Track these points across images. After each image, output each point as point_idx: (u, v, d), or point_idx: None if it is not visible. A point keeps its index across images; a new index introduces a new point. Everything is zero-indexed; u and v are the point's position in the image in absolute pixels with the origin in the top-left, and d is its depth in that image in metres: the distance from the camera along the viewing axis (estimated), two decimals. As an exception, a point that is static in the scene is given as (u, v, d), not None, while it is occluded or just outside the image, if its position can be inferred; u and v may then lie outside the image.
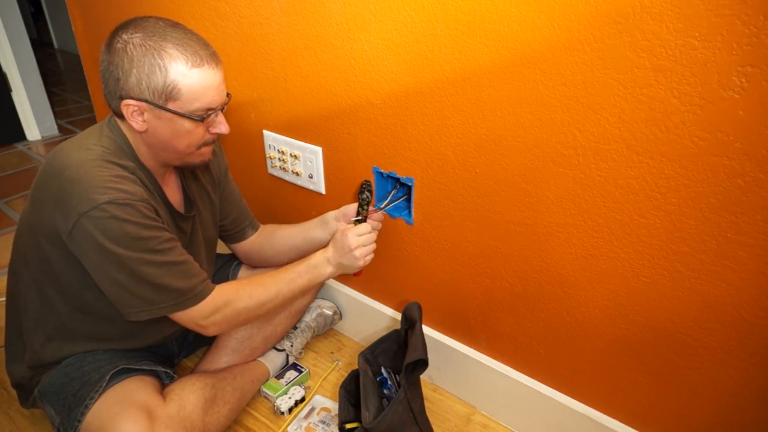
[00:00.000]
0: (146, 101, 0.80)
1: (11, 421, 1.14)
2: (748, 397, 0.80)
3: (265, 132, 1.29)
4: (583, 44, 0.73)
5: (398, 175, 1.07)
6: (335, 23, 1.01)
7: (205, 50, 0.81)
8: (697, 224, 0.74)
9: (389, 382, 1.11)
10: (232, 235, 1.20)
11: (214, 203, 1.11)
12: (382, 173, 1.11)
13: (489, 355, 1.13)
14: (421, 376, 1.10)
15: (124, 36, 0.79)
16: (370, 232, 1.04)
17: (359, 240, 1.01)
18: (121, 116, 0.83)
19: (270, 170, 1.35)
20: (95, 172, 0.78)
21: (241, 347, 1.18)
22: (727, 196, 0.70)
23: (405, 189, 1.12)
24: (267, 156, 1.33)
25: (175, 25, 0.82)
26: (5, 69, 2.57)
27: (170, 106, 0.80)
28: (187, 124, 0.83)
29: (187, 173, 1.02)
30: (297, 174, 1.27)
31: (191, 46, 0.80)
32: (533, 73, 0.80)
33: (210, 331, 0.93)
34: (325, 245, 1.09)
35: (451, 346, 1.17)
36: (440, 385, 1.25)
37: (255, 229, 1.22)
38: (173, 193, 0.98)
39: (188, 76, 0.79)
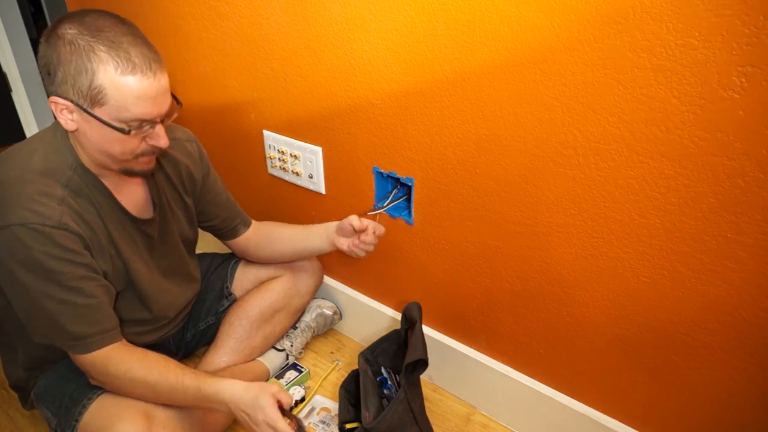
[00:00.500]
0: (72, 102, 0.74)
1: (11, 421, 1.14)
2: (748, 397, 0.80)
3: (265, 132, 1.29)
4: (583, 44, 0.73)
5: (398, 175, 1.07)
6: (335, 23, 1.01)
7: (143, 57, 0.74)
8: (697, 224, 0.74)
9: (389, 382, 1.11)
10: (224, 233, 1.17)
11: (189, 206, 1.06)
12: (382, 173, 1.11)
13: (489, 355, 1.13)
14: (421, 376, 1.10)
15: (60, 29, 0.72)
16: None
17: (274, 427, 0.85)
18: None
19: (270, 170, 1.35)
20: (15, 189, 0.76)
21: (240, 347, 1.17)
22: (727, 196, 0.70)
23: (405, 189, 1.12)
24: (267, 156, 1.33)
25: (117, 24, 0.75)
26: (5, 69, 2.57)
27: (96, 111, 0.74)
28: (115, 133, 0.76)
29: (157, 173, 0.96)
30: (297, 174, 1.27)
31: (126, 50, 0.73)
32: (533, 73, 0.80)
33: (91, 381, 0.89)
34: (325, 253, 1.09)
35: (451, 346, 1.17)
36: (440, 385, 1.25)
37: (247, 225, 1.19)
38: (132, 196, 0.92)
39: (117, 83, 0.72)
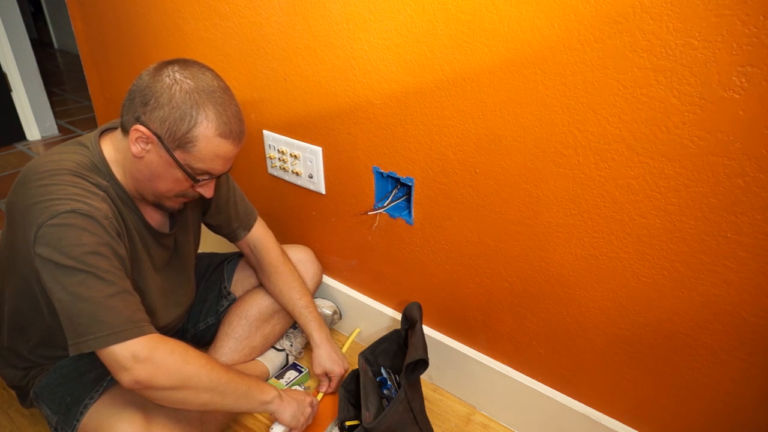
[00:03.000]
0: (158, 137, 0.80)
1: (11, 421, 1.14)
2: (748, 397, 0.80)
3: (265, 132, 1.29)
4: (583, 44, 0.73)
5: (398, 175, 1.07)
6: (335, 23, 1.01)
7: (238, 127, 0.83)
8: (697, 224, 0.74)
9: (389, 383, 1.11)
10: (226, 236, 1.19)
11: (197, 215, 1.11)
12: (382, 173, 1.11)
13: (489, 355, 1.13)
14: (421, 376, 1.10)
15: (178, 75, 0.79)
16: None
17: (302, 407, 1.01)
18: (126, 132, 0.83)
19: (270, 170, 1.35)
20: (60, 187, 0.77)
21: (239, 347, 1.18)
22: (727, 196, 0.70)
23: (405, 189, 1.12)
24: (267, 156, 1.33)
25: (226, 90, 0.84)
26: (5, 69, 2.57)
27: (177, 153, 0.81)
28: (179, 175, 0.83)
29: None
30: (297, 174, 1.27)
31: (228, 117, 0.81)
32: (533, 73, 0.80)
33: (135, 374, 0.76)
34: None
35: (451, 346, 1.17)
36: (440, 385, 1.25)
37: (247, 229, 1.18)
38: (153, 212, 0.96)
39: (210, 140, 0.80)
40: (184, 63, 0.82)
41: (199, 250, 1.22)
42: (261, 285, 1.24)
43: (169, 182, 0.85)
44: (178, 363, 0.79)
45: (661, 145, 0.73)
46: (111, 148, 0.88)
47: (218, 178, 0.91)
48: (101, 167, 0.86)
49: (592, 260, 0.87)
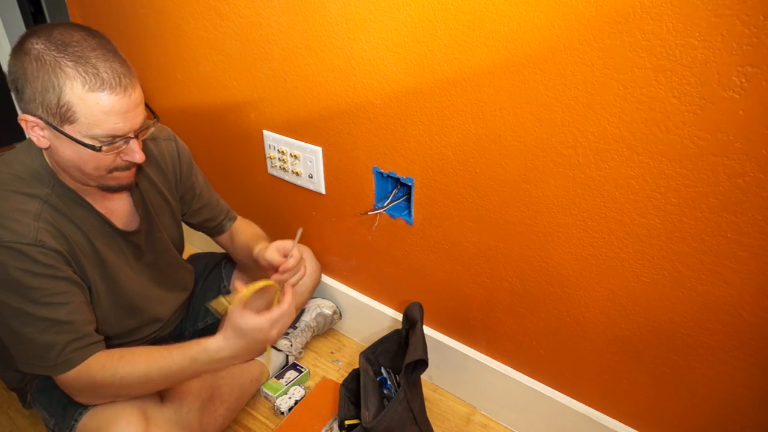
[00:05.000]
0: (41, 119, 0.73)
1: (11, 421, 1.14)
2: (748, 397, 0.80)
3: (265, 132, 1.29)
4: (583, 44, 0.73)
5: (398, 175, 1.07)
6: (335, 23, 1.01)
7: (112, 72, 0.72)
8: (697, 224, 0.74)
9: (389, 382, 1.11)
10: (211, 230, 1.17)
11: (173, 207, 1.05)
12: (382, 173, 1.11)
13: (489, 355, 1.13)
14: (421, 376, 1.10)
15: (27, 44, 0.70)
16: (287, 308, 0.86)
17: (277, 324, 0.84)
18: None
19: (270, 170, 1.35)
20: None
21: None
22: (727, 196, 0.70)
23: (405, 189, 1.12)
24: (267, 156, 1.33)
25: (87, 37, 0.73)
26: (5, 69, 2.57)
27: (66, 129, 0.73)
28: (88, 150, 0.75)
29: (141, 181, 0.95)
30: (297, 174, 1.27)
31: (94, 65, 0.71)
32: (533, 73, 0.80)
33: (80, 399, 0.85)
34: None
35: (451, 346, 1.17)
36: (440, 385, 1.25)
37: (233, 220, 1.18)
38: (116, 208, 0.91)
39: (85, 100, 0.71)
40: (38, 29, 0.72)
41: (198, 250, 1.22)
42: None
43: (88, 161, 0.76)
44: (108, 378, 0.81)
45: (661, 145, 0.73)
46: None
47: (138, 138, 0.80)
48: (43, 172, 0.81)
49: (592, 260, 0.87)
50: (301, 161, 1.24)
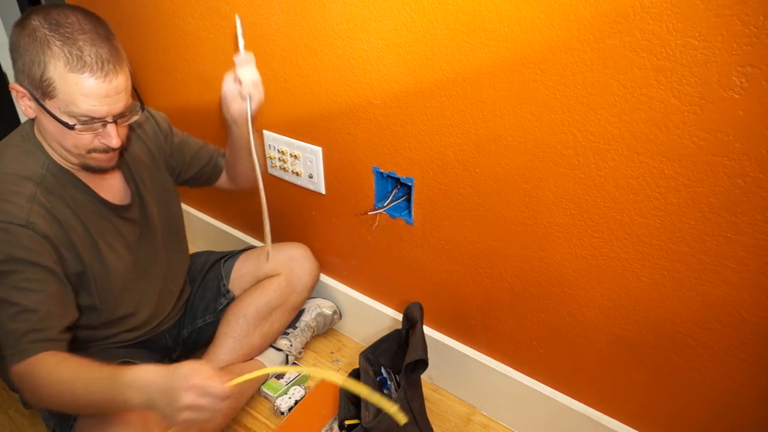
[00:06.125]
0: (28, 91, 0.76)
1: (11, 421, 1.14)
2: (748, 397, 0.80)
3: (265, 132, 1.29)
4: (583, 44, 0.73)
5: (398, 175, 1.07)
6: (335, 23, 1.01)
7: (96, 56, 0.74)
8: (697, 224, 0.74)
9: (389, 382, 1.11)
10: (210, 174, 1.17)
11: (165, 176, 1.06)
12: (382, 173, 1.11)
13: (489, 355, 1.13)
14: (421, 376, 1.10)
15: (28, 18, 0.75)
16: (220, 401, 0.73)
17: (202, 400, 0.70)
18: None
19: (270, 170, 1.35)
20: None
21: (238, 345, 1.17)
22: (727, 196, 0.70)
23: (405, 189, 1.12)
24: (267, 156, 1.33)
25: (82, 20, 0.76)
26: (5, 69, 2.57)
27: (47, 103, 0.76)
28: (62, 126, 0.77)
29: (129, 157, 0.97)
30: (297, 174, 1.27)
31: (79, 47, 0.74)
32: (533, 73, 0.80)
33: (26, 397, 0.80)
34: (243, 140, 0.98)
35: (451, 346, 1.17)
36: (440, 385, 1.25)
37: (223, 155, 1.18)
38: (108, 184, 0.93)
39: (65, 78, 0.74)
40: (42, 7, 0.77)
41: (197, 249, 1.22)
42: (259, 281, 1.24)
43: (67, 137, 0.79)
44: (44, 377, 0.75)
45: (661, 145, 0.73)
46: (35, 126, 0.85)
47: (117, 123, 0.81)
48: (36, 152, 0.83)
49: (592, 260, 0.87)
50: (301, 161, 1.24)
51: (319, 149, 1.19)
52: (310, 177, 1.24)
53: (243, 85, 0.91)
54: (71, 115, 0.77)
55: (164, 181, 1.06)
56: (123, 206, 0.94)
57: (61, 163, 0.85)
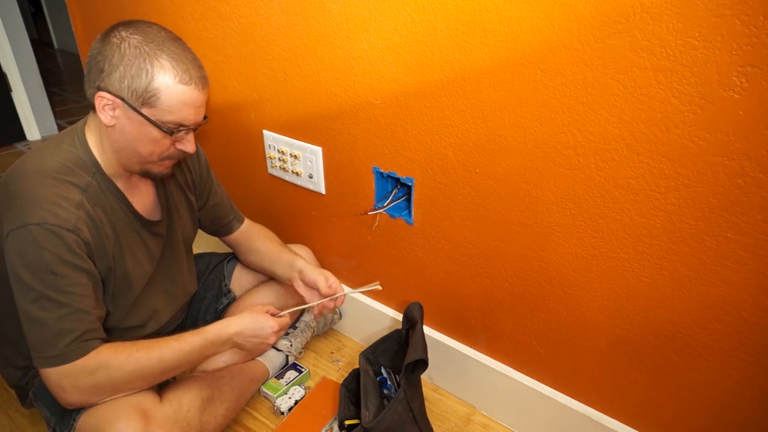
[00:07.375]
0: (122, 99, 0.80)
1: (11, 421, 1.14)
2: (748, 397, 0.80)
3: (265, 132, 1.29)
4: (583, 44, 0.73)
5: (398, 175, 1.07)
6: (335, 23, 1.01)
7: (197, 72, 0.83)
8: (697, 224, 0.74)
9: (389, 382, 1.11)
10: (220, 230, 1.21)
11: (192, 204, 1.10)
12: (382, 173, 1.11)
13: (489, 355, 1.13)
14: (421, 376, 1.10)
15: (123, 33, 0.80)
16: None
17: (277, 333, 0.99)
18: (93, 105, 0.83)
19: (270, 170, 1.35)
20: (36, 190, 0.79)
21: None
22: (727, 196, 0.70)
23: (405, 189, 1.12)
24: (267, 156, 1.33)
25: (176, 39, 0.84)
26: (5, 69, 2.57)
27: (144, 110, 0.81)
28: (155, 132, 0.83)
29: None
30: (297, 174, 1.27)
31: (185, 63, 0.81)
32: (533, 73, 0.80)
33: (72, 397, 0.83)
34: (283, 281, 1.15)
35: (451, 346, 1.17)
36: (440, 385, 1.25)
37: (240, 222, 1.23)
38: (142, 198, 0.97)
39: (171, 89, 0.80)
40: (128, 23, 0.82)
41: (199, 250, 1.22)
42: (261, 282, 1.26)
43: (148, 143, 0.84)
44: (120, 363, 0.84)
45: (661, 145, 0.73)
46: (90, 130, 0.88)
47: (195, 131, 0.89)
48: (86, 158, 0.86)
49: (592, 260, 0.87)
50: (301, 161, 1.24)
51: (319, 149, 1.19)
52: (310, 177, 1.24)
53: (333, 309, 1.09)
54: (164, 123, 0.82)
55: (191, 204, 1.11)
56: (153, 221, 0.98)
57: (107, 171, 0.88)
